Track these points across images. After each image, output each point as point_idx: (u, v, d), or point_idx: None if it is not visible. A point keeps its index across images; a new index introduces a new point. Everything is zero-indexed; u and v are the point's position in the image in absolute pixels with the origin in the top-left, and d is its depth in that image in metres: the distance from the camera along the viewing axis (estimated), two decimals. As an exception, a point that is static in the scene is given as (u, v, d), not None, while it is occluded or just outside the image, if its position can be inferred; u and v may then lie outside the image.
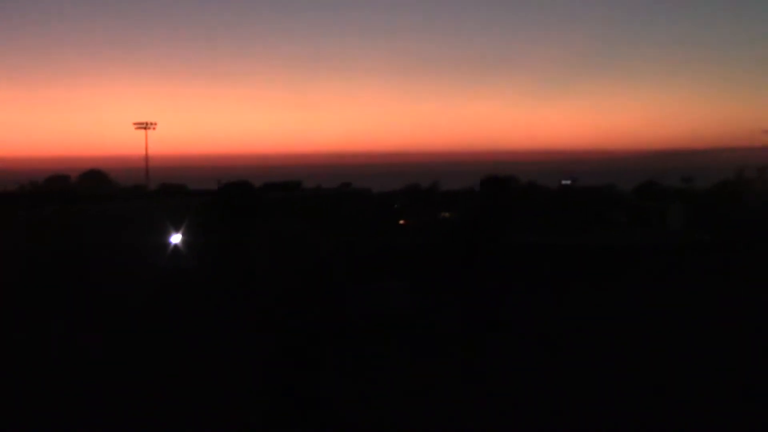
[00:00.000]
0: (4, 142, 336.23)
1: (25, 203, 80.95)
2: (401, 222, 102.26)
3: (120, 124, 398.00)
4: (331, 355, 33.87)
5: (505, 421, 18.78)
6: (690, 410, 23.96)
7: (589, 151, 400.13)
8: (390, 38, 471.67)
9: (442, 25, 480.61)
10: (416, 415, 22.17)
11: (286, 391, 27.82)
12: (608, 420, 23.08)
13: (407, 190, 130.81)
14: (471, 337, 37.98)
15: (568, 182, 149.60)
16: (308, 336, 35.50)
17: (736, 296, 47.80)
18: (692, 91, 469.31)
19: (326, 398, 26.72)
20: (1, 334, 39.55)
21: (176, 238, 62.90)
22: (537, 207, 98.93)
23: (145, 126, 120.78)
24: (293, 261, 45.91)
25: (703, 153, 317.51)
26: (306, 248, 48.35)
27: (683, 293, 49.23)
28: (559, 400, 20.98)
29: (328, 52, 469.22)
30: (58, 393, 28.39)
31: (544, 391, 25.59)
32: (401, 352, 35.03)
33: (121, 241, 53.08)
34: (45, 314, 42.98)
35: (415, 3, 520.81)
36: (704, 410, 23.69)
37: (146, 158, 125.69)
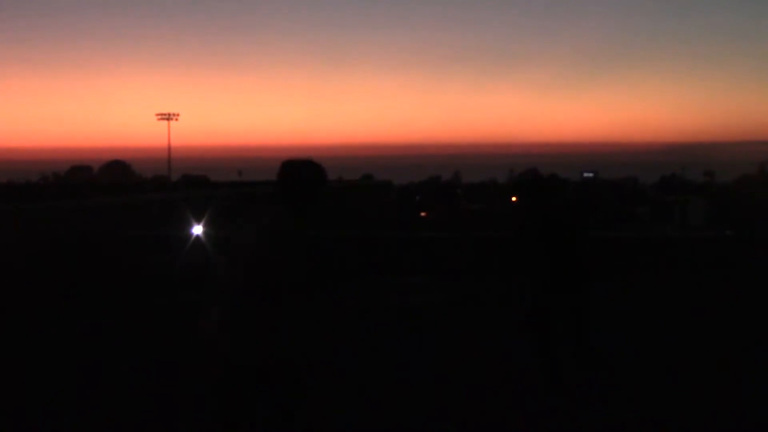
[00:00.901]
0: (27, 133, 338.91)
1: (50, 194, 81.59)
2: (422, 214, 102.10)
3: (143, 115, 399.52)
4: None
5: (522, 416, 19.09)
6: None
7: (611, 143, 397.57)
8: (412, 30, 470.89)
9: (465, 18, 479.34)
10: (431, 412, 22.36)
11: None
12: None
13: (429, 182, 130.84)
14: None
15: (590, 175, 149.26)
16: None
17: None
18: (715, 84, 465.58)
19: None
20: (28, 326, 40.06)
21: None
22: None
23: (167, 117, 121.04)
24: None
25: (724, 146, 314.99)
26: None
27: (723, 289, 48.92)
28: (580, 394, 21.13)
29: (350, 43, 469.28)
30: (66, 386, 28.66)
31: (568, 393, 25.65)
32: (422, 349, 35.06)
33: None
34: (65, 310, 43.40)
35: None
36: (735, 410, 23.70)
37: (169, 149, 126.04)
